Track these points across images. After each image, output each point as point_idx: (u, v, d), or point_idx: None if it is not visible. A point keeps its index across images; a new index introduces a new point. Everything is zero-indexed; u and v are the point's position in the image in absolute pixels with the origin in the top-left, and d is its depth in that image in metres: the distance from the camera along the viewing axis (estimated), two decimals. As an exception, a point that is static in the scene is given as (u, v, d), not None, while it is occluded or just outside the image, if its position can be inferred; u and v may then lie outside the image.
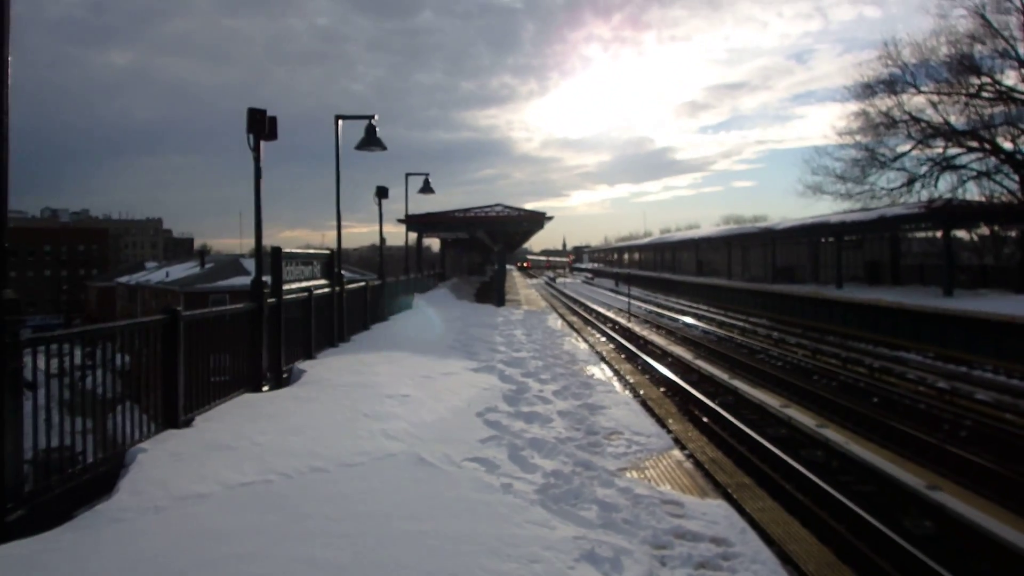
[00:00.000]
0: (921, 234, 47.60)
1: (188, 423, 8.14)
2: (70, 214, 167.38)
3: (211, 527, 5.22)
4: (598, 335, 38.89)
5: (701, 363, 27.38)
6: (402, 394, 10.14)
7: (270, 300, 11.50)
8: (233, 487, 6.06)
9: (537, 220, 34.33)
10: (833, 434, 16.06)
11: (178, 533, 5.09)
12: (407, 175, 30.39)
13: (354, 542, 5.05)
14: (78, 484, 6.14)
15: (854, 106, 42.93)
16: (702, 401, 20.53)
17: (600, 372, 14.83)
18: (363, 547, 4.98)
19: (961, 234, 48.66)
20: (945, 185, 39.78)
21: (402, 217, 32.45)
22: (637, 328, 41.07)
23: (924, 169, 39.96)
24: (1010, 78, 38.42)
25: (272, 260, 12.45)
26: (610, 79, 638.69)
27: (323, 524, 5.37)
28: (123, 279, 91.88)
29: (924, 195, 38.90)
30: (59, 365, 6.39)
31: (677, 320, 46.96)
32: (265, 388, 10.86)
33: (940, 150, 39.90)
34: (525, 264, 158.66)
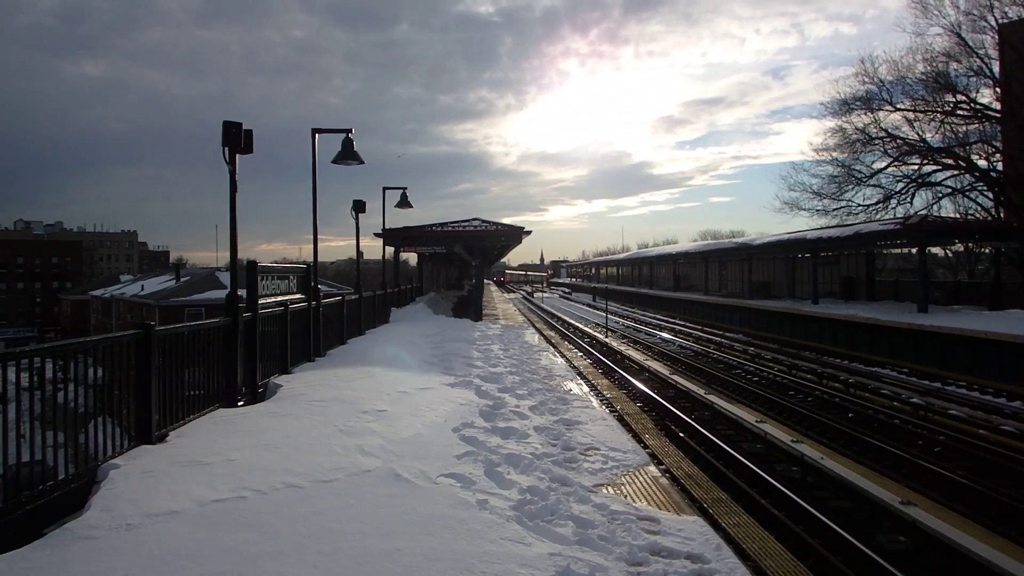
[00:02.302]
0: (896, 250, 48.19)
1: (162, 439, 8.07)
2: (44, 226, 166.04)
3: (183, 545, 5.16)
4: (575, 350, 38.90)
5: (678, 378, 27.46)
6: (378, 409, 10.09)
7: (245, 315, 11.43)
8: (206, 504, 6.00)
9: (515, 235, 34.33)
10: (808, 449, 16.14)
11: (149, 551, 5.03)
12: (384, 189, 30.37)
13: (328, 560, 5.02)
14: (49, 500, 6.07)
15: (831, 122, 43.37)
16: (679, 416, 20.58)
17: (577, 387, 14.84)
18: (337, 565, 4.94)
19: (936, 251, 49.34)
20: (920, 202, 40.35)
21: (379, 231, 32.38)
22: (614, 343, 41.13)
23: (900, 186, 40.45)
24: (985, 96, 39.03)
25: (248, 274, 12.37)
26: (588, 94, 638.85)
27: (297, 542, 5.33)
28: (97, 292, 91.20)
29: (900, 212, 39.37)
30: (30, 379, 6.32)
31: (654, 335, 47.10)
32: (240, 403, 10.78)
33: (916, 167, 40.38)
34: (503, 279, 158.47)
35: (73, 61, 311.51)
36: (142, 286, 76.66)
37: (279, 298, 13.76)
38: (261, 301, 12.46)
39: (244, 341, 11.18)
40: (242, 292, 11.71)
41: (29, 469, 5.94)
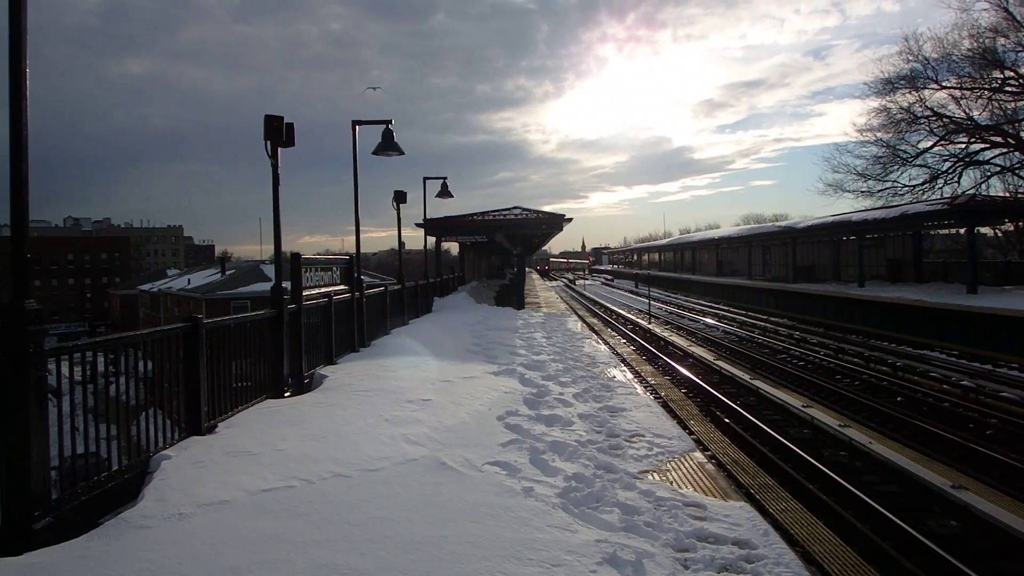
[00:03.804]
0: (944, 231, 47.29)
1: (211, 429, 8.19)
2: (92, 223, 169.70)
3: (234, 534, 5.25)
4: (618, 337, 38.78)
5: (722, 364, 27.25)
6: (423, 399, 10.15)
7: (290, 306, 11.55)
8: (256, 493, 6.09)
9: (555, 222, 34.26)
10: (856, 434, 15.92)
11: (202, 540, 5.12)
12: (425, 179, 30.32)
13: (376, 547, 5.07)
14: (103, 491, 6.20)
15: (874, 102, 42.47)
16: (724, 402, 20.44)
17: (620, 374, 14.81)
18: (385, 553, 4.99)
19: (985, 230, 48.24)
20: (968, 181, 39.41)
21: (420, 221, 32.44)
22: (657, 329, 40.93)
23: (947, 165, 39.55)
24: (1034, 71, 38.00)
25: (291, 267, 12.50)
26: (626, 79, 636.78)
27: (345, 530, 5.39)
28: (145, 287, 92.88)
29: (947, 192, 38.54)
30: (83, 373, 6.45)
31: (698, 321, 46.80)
32: (287, 394, 10.91)
33: (963, 146, 39.47)
34: (546, 267, 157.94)
35: (117, 60, 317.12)
36: (189, 280, 77.94)
37: (323, 290, 13.88)
38: (305, 293, 12.59)
39: (289, 333, 11.30)
40: (286, 284, 11.83)
41: (84, 461, 6.07)
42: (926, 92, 39.84)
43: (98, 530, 5.33)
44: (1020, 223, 44.97)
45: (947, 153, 39.73)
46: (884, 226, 41.10)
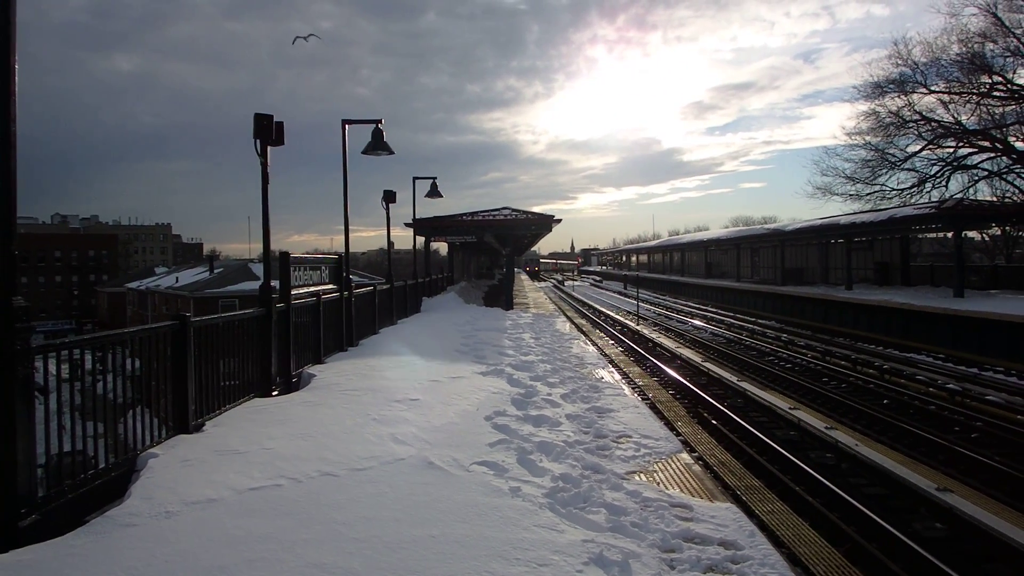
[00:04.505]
0: (932, 235, 47.61)
1: (199, 428, 8.17)
2: (80, 220, 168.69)
3: (222, 532, 5.24)
4: (607, 338, 38.83)
5: (710, 365, 27.34)
6: (411, 398, 10.15)
7: (279, 305, 11.52)
8: (243, 492, 6.08)
9: (545, 223, 34.27)
10: (843, 436, 16.02)
11: (189, 538, 5.10)
12: (414, 179, 30.33)
13: (363, 546, 5.07)
14: (90, 489, 6.17)
15: (864, 106, 42.52)
16: (711, 404, 20.50)
17: (609, 375, 14.81)
18: (372, 551, 4.99)
19: (972, 234, 48.55)
20: (956, 185, 39.51)
21: (410, 221, 32.42)
22: (646, 331, 41.02)
23: (935, 169, 39.61)
24: (1022, 77, 38.12)
25: (280, 265, 12.48)
26: (616, 81, 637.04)
27: (333, 529, 5.38)
28: (133, 284, 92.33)
29: (935, 196, 38.64)
30: (70, 371, 6.42)
31: (686, 322, 46.90)
32: (275, 393, 10.88)
33: (951, 150, 39.60)
34: (536, 268, 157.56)
35: (105, 56, 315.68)
36: (177, 278, 77.60)
37: (311, 289, 13.86)
38: (294, 292, 12.56)
39: (278, 331, 11.28)
40: (275, 283, 11.80)
41: (71, 459, 6.05)
42: (915, 96, 39.96)
43: (84, 528, 5.31)
44: (1007, 227, 45.28)
45: (935, 157, 39.82)
46: (872, 229, 41.36)
